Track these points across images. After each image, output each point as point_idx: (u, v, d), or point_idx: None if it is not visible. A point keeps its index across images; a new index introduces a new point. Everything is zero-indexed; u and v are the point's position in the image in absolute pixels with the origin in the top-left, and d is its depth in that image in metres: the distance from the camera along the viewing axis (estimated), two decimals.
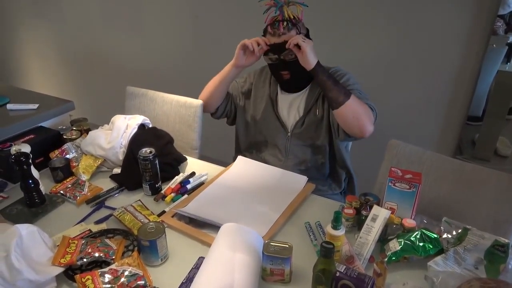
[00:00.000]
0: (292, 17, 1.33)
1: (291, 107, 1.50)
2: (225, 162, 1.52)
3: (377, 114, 1.36)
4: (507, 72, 2.02)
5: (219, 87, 1.53)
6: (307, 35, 1.39)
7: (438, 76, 1.98)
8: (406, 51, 2.01)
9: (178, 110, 1.74)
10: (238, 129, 1.64)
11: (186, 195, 1.29)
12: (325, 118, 1.44)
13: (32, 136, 1.53)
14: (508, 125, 2.16)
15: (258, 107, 1.55)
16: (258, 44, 1.38)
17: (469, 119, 2.03)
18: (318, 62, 1.32)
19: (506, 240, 0.94)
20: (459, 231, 1.01)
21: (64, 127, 1.64)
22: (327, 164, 1.51)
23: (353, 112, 1.29)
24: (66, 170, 1.40)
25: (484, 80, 1.95)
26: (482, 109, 2.08)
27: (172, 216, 1.18)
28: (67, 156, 1.46)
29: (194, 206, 1.21)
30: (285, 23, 1.32)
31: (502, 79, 2.01)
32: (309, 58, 1.30)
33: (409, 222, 1.04)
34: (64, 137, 1.57)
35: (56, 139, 1.56)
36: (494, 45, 1.88)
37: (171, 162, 1.44)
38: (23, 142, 1.46)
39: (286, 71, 1.40)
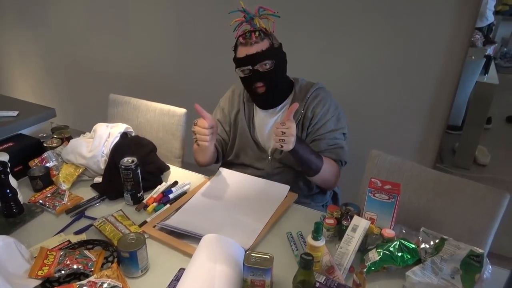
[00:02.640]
0: (264, 27, 1.31)
1: (270, 130, 1.44)
2: (209, 170, 1.52)
3: (346, 162, 1.42)
4: (485, 83, 2.08)
5: (203, 157, 1.48)
6: (279, 48, 1.34)
7: (419, 86, 2.02)
8: (387, 62, 2.05)
9: (162, 118, 1.74)
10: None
11: (168, 205, 1.28)
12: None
13: (11, 144, 1.50)
14: (486, 134, 2.22)
15: (235, 133, 1.50)
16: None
17: (449, 128, 2.07)
18: (298, 142, 1.23)
19: (481, 250, 0.96)
20: (437, 241, 1.03)
21: (44, 135, 1.61)
22: (312, 183, 1.46)
23: (322, 180, 1.38)
24: (46, 179, 1.38)
25: (463, 91, 2.00)
26: (462, 119, 2.14)
27: (154, 226, 1.17)
28: (47, 164, 1.44)
29: (177, 219, 1.20)
30: (257, 33, 1.29)
31: (480, 90, 2.07)
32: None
33: (388, 232, 1.06)
34: (45, 145, 1.54)
35: (36, 147, 1.54)
36: (473, 57, 1.94)
37: (154, 171, 1.43)
38: (1, 150, 1.43)
39: (261, 83, 1.33)
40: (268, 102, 1.41)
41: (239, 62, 1.32)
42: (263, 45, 1.29)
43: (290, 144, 1.18)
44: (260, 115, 1.47)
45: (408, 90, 2.05)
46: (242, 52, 1.30)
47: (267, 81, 1.33)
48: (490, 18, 1.99)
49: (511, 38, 2.14)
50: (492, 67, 2.09)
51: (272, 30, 1.34)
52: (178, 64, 2.70)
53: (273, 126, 1.32)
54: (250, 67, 1.30)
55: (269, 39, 1.31)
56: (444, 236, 1.03)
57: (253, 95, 1.41)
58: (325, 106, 1.38)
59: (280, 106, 1.43)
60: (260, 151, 1.47)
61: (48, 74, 3.45)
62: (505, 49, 2.16)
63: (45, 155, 1.47)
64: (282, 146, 1.19)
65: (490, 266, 0.96)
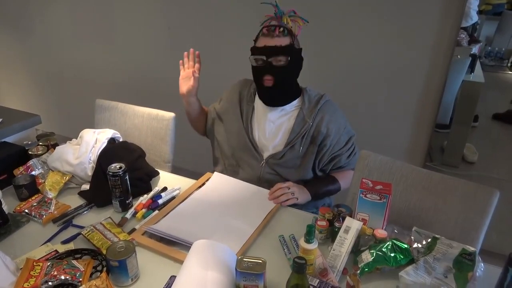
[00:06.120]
0: (290, 26, 1.34)
1: (270, 134, 1.44)
2: (199, 173, 1.50)
3: (357, 158, 1.46)
4: (471, 82, 2.10)
5: (190, 116, 1.60)
6: (298, 51, 1.37)
7: (407, 86, 2.03)
8: (375, 62, 2.05)
9: (150, 123, 1.71)
10: (214, 153, 1.62)
11: (157, 211, 1.26)
12: (308, 157, 1.41)
13: None
14: (473, 132, 2.24)
15: (232, 131, 1.50)
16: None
17: (437, 127, 2.09)
18: (311, 189, 1.38)
19: (473, 249, 0.96)
20: (429, 240, 1.03)
21: (29, 142, 1.58)
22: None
23: (344, 188, 1.49)
24: (31, 188, 1.34)
25: (450, 89, 2.02)
26: (450, 117, 2.16)
27: (143, 234, 1.15)
28: (33, 172, 1.41)
29: (166, 224, 1.18)
30: (281, 28, 1.31)
31: (467, 88, 2.10)
32: (306, 199, 1.36)
33: (380, 233, 1.05)
34: (30, 152, 1.51)
35: (21, 155, 1.50)
36: (459, 56, 1.96)
37: (143, 177, 1.41)
38: None
39: (270, 77, 1.34)
40: (274, 97, 1.41)
41: (255, 51, 1.35)
42: (284, 41, 1.31)
43: (296, 193, 1.32)
44: (263, 114, 1.45)
45: (396, 90, 2.06)
46: (262, 42, 1.32)
47: (277, 76, 1.34)
48: (475, 17, 2.02)
49: (495, 37, 2.17)
50: (478, 66, 2.12)
51: (297, 33, 1.35)
52: (166, 68, 2.67)
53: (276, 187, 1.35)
54: (264, 57, 1.32)
55: (291, 38, 1.33)
56: (436, 235, 1.03)
57: (260, 88, 1.42)
58: (337, 120, 1.42)
59: (288, 107, 1.43)
60: (256, 153, 1.45)
61: (33, 80, 3.39)
62: (489, 48, 2.20)
63: (30, 163, 1.43)
64: (297, 199, 1.32)
65: (482, 264, 0.96)
